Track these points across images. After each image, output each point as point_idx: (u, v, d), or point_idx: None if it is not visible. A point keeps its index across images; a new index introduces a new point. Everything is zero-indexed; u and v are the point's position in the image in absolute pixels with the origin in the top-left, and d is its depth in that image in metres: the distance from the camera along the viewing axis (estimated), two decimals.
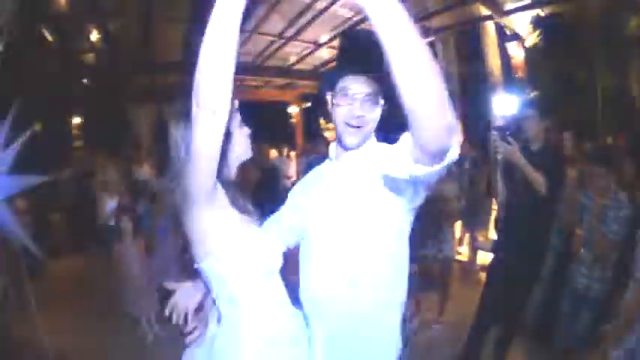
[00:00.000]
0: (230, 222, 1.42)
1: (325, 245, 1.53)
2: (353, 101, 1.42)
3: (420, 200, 1.50)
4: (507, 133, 2.90)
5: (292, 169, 9.35)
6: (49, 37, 6.96)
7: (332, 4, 6.55)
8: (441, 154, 1.12)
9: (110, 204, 4.58)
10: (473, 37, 7.07)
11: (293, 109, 13.29)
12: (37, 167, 3.63)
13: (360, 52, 1.41)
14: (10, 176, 3.38)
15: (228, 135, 1.35)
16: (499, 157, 3.17)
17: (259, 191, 5.68)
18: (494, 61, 6.74)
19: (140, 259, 4.16)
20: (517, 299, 3.23)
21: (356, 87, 1.41)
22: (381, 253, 1.47)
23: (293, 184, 7.55)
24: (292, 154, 10.60)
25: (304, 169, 7.02)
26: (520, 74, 6.28)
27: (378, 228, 1.47)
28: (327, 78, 1.55)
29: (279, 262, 1.52)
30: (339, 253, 1.49)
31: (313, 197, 1.62)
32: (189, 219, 1.37)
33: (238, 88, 12.07)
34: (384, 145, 1.52)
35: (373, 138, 1.55)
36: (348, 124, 1.44)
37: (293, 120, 13.36)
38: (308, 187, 1.69)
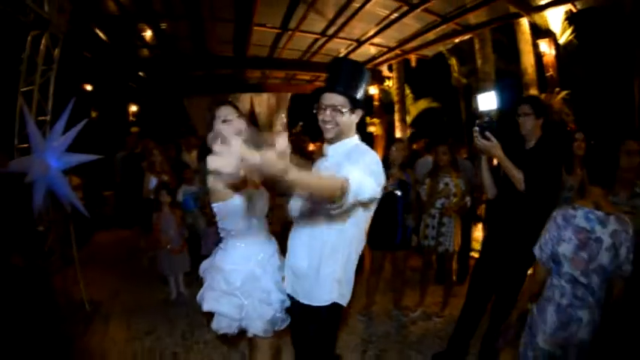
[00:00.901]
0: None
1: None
2: (323, 110, 2.07)
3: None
4: (487, 130, 2.89)
5: None
6: (104, 37, 7.62)
7: (366, 2, 6.79)
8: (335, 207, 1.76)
9: (153, 181, 5.23)
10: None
11: None
12: (98, 148, 4.27)
13: (331, 76, 2.07)
14: (67, 154, 4.03)
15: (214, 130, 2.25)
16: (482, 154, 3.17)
17: None
18: (527, 59, 6.76)
19: (175, 226, 4.70)
20: (501, 297, 3.19)
21: (325, 100, 2.05)
22: (328, 222, 2.07)
23: None
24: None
25: None
26: (552, 72, 6.20)
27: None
28: (315, 94, 2.13)
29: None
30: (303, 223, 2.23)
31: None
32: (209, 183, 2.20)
33: (291, 82, 12.84)
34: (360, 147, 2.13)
35: (353, 138, 2.15)
36: (321, 125, 2.11)
37: None
38: (316, 165, 2.35)
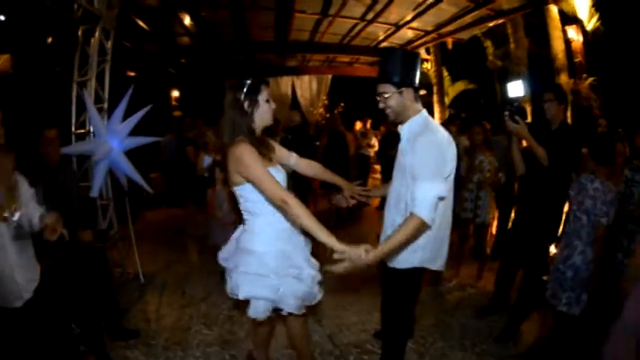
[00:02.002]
0: None
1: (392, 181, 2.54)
2: (378, 98, 2.33)
3: None
4: (516, 114, 3.25)
5: (373, 139, 9.75)
6: (144, 26, 8.00)
7: None
8: None
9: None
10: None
11: None
12: (143, 131, 4.65)
13: (380, 67, 2.33)
14: (128, 137, 4.45)
15: (256, 105, 2.31)
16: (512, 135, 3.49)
17: (326, 153, 6.77)
18: (558, 45, 6.79)
19: (228, 201, 4.96)
20: (527, 271, 3.54)
21: (377, 90, 2.32)
22: (400, 195, 2.37)
23: (375, 152, 7.89)
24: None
25: (382, 140, 7.89)
26: (580, 58, 6.24)
27: (401, 176, 2.36)
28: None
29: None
30: (391, 189, 2.51)
31: None
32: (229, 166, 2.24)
33: (331, 64, 13.19)
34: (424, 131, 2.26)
35: (418, 116, 2.33)
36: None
37: None
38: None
